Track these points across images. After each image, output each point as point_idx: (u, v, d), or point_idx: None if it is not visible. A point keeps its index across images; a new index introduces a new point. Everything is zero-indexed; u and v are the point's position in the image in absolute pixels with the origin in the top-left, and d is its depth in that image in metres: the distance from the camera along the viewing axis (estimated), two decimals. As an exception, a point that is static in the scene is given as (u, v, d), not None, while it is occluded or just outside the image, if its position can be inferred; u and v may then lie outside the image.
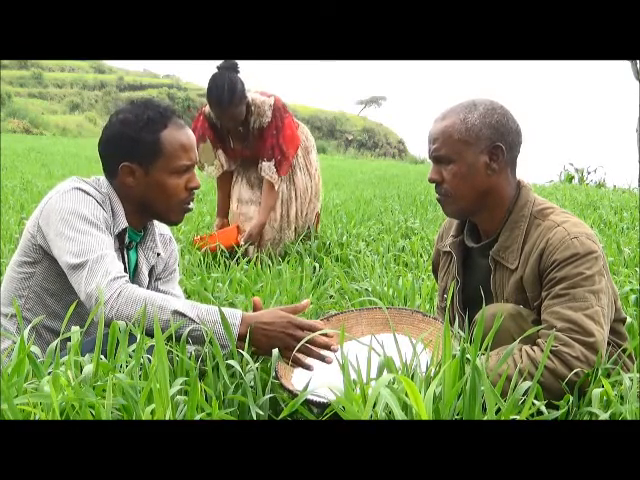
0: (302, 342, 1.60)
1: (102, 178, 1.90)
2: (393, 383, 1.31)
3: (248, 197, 4.08)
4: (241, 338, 1.63)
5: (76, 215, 1.75)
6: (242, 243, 3.80)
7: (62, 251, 1.73)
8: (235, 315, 1.65)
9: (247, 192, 4.08)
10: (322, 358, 1.69)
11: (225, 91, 3.68)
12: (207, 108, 3.91)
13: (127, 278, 1.69)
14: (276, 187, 3.94)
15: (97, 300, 1.62)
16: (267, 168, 3.91)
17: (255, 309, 1.78)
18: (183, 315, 1.62)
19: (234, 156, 4.02)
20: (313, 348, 1.68)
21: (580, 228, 1.74)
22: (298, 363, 1.70)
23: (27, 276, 1.85)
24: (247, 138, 3.92)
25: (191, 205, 1.90)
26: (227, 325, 1.60)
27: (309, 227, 4.19)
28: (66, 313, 1.50)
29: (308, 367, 1.71)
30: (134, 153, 1.83)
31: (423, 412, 1.19)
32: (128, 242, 1.91)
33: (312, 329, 1.66)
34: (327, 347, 1.68)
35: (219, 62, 3.82)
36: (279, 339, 1.65)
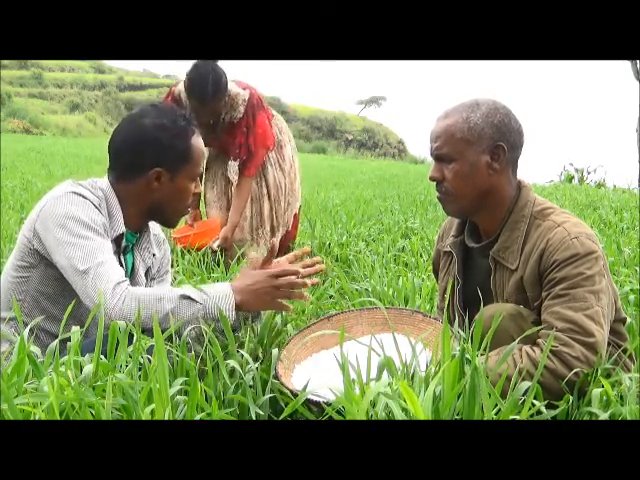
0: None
1: (100, 181, 1.89)
2: (391, 387, 1.31)
3: (212, 198, 3.85)
4: (239, 307, 1.71)
5: (74, 220, 1.75)
6: (216, 248, 3.57)
7: (62, 257, 1.73)
8: (225, 286, 1.73)
9: (211, 193, 3.85)
10: (302, 296, 1.80)
11: (209, 84, 3.39)
12: (177, 89, 3.62)
13: (129, 282, 1.71)
14: (233, 188, 3.70)
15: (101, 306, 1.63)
16: (232, 167, 3.68)
17: (272, 251, 1.83)
18: (189, 298, 1.67)
19: None
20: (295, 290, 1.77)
21: (580, 228, 1.74)
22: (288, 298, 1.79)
23: (24, 280, 1.85)
24: (215, 130, 3.62)
25: (189, 209, 1.99)
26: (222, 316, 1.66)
27: (287, 230, 3.90)
28: (63, 316, 1.51)
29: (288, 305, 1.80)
30: (166, 159, 1.85)
31: (420, 415, 1.19)
32: (125, 245, 1.91)
33: (286, 273, 1.76)
34: (296, 273, 1.78)
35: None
36: (266, 293, 1.74)
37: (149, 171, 1.84)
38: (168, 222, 1.97)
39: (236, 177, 3.66)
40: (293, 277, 1.76)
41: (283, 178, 3.87)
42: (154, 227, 2.03)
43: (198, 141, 1.90)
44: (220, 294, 1.70)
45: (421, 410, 1.19)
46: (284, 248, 3.81)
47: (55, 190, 1.83)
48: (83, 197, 1.80)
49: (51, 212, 1.77)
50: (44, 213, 1.78)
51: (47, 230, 1.76)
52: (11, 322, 1.84)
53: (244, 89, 3.62)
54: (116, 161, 1.89)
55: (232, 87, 3.57)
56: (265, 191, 3.82)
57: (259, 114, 3.64)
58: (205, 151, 3.69)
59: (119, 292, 1.66)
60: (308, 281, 1.79)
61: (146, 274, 2.00)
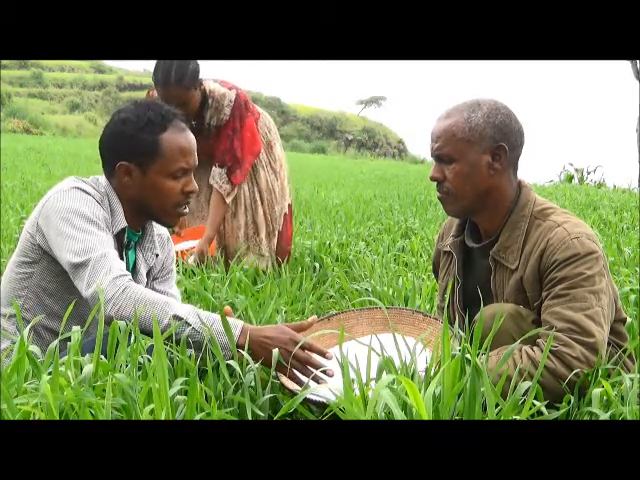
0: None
1: (101, 177, 1.90)
2: (393, 383, 1.31)
3: (195, 207, 3.58)
4: (239, 348, 1.60)
5: (76, 214, 1.75)
6: (193, 263, 3.28)
7: (63, 250, 1.73)
8: (235, 325, 1.62)
9: (195, 202, 3.57)
10: (316, 380, 1.63)
11: (173, 68, 3.19)
12: (155, 92, 3.39)
13: (130, 277, 1.69)
14: (227, 200, 3.46)
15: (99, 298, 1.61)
16: (217, 175, 3.44)
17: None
18: (185, 323, 1.60)
19: None
20: (310, 368, 1.64)
21: (581, 228, 1.74)
22: (293, 379, 1.65)
23: (26, 276, 1.85)
24: (200, 134, 3.28)
25: (186, 209, 1.89)
26: (229, 329, 1.58)
27: (279, 231, 3.67)
28: (65, 313, 1.50)
29: (301, 383, 1.64)
30: (132, 153, 1.82)
31: (423, 411, 1.19)
32: (127, 242, 1.91)
33: (312, 349, 1.64)
34: (322, 354, 1.65)
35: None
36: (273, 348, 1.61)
37: (116, 165, 1.84)
38: (162, 221, 1.92)
39: (224, 186, 3.45)
40: (316, 358, 1.63)
41: (275, 180, 3.68)
42: (158, 227, 2.03)
43: (174, 136, 1.83)
44: (221, 330, 1.59)
45: (423, 404, 1.19)
46: (285, 253, 3.68)
47: (58, 186, 1.83)
48: (86, 192, 1.80)
49: (54, 207, 1.77)
50: (47, 208, 1.79)
51: (49, 224, 1.77)
52: (12, 319, 1.84)
53: (230, 89, 3.44)
54: (100, 158, 1.91)
55: (216, 88, 3.41)
56: (258, 196, 3.63)
57: (247, 116, 3.46)
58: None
59: (119, 283, 1.64)
60: (327, 353, 1.65)
61: (148, 274, 2.00)
